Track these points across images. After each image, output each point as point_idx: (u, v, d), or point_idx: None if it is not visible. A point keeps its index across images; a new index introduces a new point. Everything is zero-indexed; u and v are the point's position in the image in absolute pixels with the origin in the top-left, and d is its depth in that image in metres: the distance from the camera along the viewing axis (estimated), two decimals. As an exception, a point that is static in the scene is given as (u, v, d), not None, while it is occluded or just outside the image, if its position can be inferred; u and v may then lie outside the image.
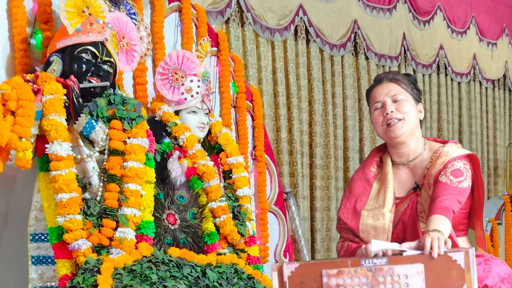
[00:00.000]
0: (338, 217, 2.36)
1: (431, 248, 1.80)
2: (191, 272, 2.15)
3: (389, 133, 2.27)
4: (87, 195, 2.20)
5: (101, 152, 2.24)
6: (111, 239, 2.15)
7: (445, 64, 6.57)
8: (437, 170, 2.18)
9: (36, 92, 2.11)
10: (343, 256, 2.30)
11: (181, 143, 2.67)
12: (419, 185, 2.25)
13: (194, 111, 2.77)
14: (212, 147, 2.94)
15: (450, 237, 2.00)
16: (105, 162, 2.23)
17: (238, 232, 2.66)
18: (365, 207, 2.28)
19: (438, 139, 2.39)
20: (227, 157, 2.89)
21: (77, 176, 2.15)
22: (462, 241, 2.23)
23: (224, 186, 2.83)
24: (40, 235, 2.21)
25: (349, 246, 2.30)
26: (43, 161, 2.15)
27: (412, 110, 2.28)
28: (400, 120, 2.25)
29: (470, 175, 2.19)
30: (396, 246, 1.87)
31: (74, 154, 2.16)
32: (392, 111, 2.26)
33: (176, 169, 2.58)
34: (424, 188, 2.23)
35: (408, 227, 2.23)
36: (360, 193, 2.34)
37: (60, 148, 2.09)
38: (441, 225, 1.94)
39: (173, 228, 2.43)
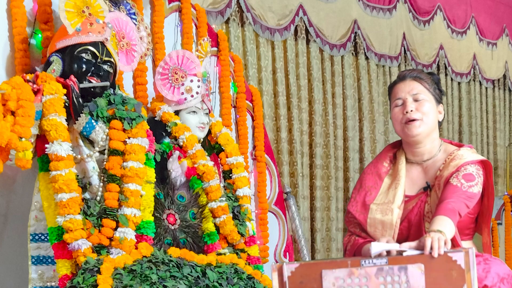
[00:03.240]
0: (347, 210, 2.35)
1: (431, 248, 1.80)
2: (191, 272, 2.15)
3: (406, 131, 2.27)
4: (87, 195, 2.20)
5: (101, 152, 2.24)
6: (111, 239, 2.15)
7: (445, 64, 6.56)
8: (450, 172, 2.18)
9: (36, 92, 2.11)
10: (350, 250, 2.30)
11: (181, 143, 2.67)
12: (430, 186, 2.25)
13: (194, 111, 2.77)
14: (212, 147, 2.94)
15: (454, 240, 2.00)
16: (105, 162, 2.22)
17: (238, 232, 2.66)
18: (374, 201, 2.28)
19: (454, 141, 2.38)
20: (227, 157, 2.89)
21: (77, 176, 2.16)
22: (466, 245, 2.21)
23: (224, 186, 2.83)
24: (40, 235, 2.21)
25: (356, 240, 2.29)
26: (43, 161, 2.15)
27: (432, 111, 2.27)
28: (419, 120, 2.25)
29: (481, 181, 2.19)
30: (396, 246, 1.87)
31: (74, 154, 2.16)
32: (412, 110, 2.25)
33: (176, 169, 2.58)
34: (434, 189, 2.22)
35: (413, 226, 2.23)
36: (370, 186, 2.33)
37: (60, 148, 2.09)
38: (443, 226, 1.94)
39: (173, 228, 2.43)
